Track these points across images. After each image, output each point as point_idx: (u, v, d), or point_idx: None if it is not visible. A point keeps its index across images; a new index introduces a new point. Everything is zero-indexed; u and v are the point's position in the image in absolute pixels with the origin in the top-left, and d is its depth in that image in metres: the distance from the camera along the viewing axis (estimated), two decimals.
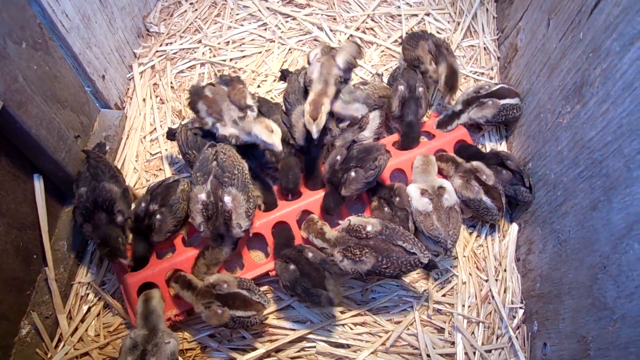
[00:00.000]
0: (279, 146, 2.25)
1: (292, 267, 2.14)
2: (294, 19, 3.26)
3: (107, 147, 2.59)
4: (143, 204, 2.25)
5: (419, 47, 2.72)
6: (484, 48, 3.23)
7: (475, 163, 2.50)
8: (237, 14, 3.26)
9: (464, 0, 3.39)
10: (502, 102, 2.67)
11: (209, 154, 2.21)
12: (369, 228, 2.17)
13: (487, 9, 3.33)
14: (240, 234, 2.16)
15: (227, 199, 2.12)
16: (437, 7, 3.36)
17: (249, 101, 2.35)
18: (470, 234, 2.60)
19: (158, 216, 2.21)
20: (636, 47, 1.74)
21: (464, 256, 2.53)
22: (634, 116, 1.72)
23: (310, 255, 2.16)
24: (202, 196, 2.12)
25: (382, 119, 2.58)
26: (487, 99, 2.69)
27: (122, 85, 2.90)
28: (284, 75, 2.83)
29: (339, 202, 2.33)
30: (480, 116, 2.71)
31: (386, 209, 2.41)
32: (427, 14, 3.32)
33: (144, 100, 2.91)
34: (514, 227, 2.59)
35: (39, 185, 2.21)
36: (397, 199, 2.40)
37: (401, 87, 2.65)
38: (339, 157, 2.33)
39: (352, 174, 2.27)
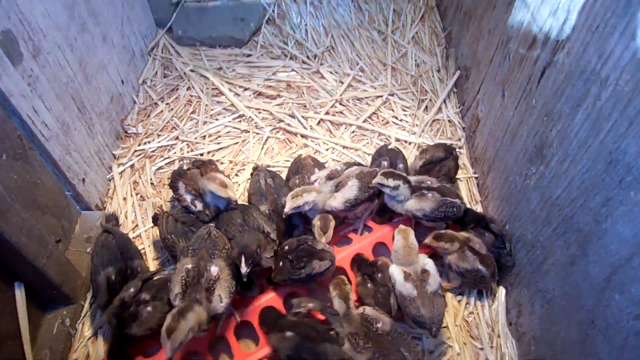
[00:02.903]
0: (234, 197, 2.41)
1: (288, 333, 2.11)
2: (266, 110, 3.42)
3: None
4: (132, 290, 2.23)
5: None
6: (449, 121, 3.40)
7: (463, 234, 2.54)
8: (212, 109, 3.42)
9: (425, 80, 3.62)
10: (443, 198, 2.51)
11: (204, 232, 2.27)
12: (379, 325, 2.20)
13: (446, 84, 3.55)
14: (218, 308, 2.09)
15: (214, 268, 2.13)
16: (400, 87, 3.57)
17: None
18: (460, 301, 2.59)
19: (148, 308, 2.18)
20: (583, 108, 1.88)
21: (456, 325, 2.51)
22: (593, 172, 1.81)
23: (310, 305, 2.18)
24: (188, 265, 2.13)
25: (360, 193, 2.51)
26: (429, 192, 2.52)
27: (103, 186, 2.96)
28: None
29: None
30: (419, 208, 2.50)
31: (369, 284, 2.41)
32: (392, 94, 3.52)
33: (124, 198, 2.95)
34: (502, 291, 2.59)
35: (19, 293, 2.17)
36: (380, 274, 2.40)
37: (384, 163, 2.79)
38: (287, 247, 2.37)
39: (280, 263, 2.33)
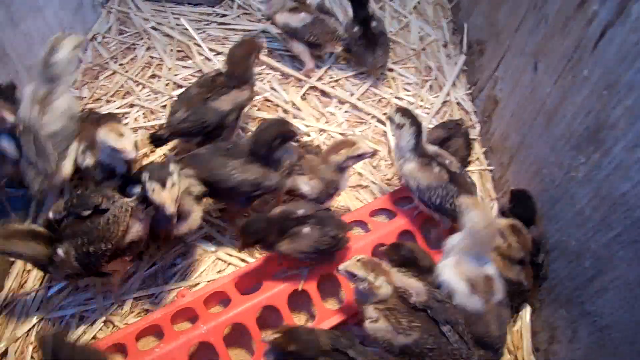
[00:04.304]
0: (131, 152, 1.85)
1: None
2: None
3: None
4: None
5: None
6: (457, 103, 2.89)
7: (507, 221, 2.01)
8: (176, 74, 2.81)
9: (429, 55, 3.11)
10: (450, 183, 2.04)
11: None
12: (413, 298, 1.68)
13: (455, 62, 3.04)
14: None
15: None
16: (400, 60, 3.04)
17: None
18: None
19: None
20: None
21: None
22: None
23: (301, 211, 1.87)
24: None
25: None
26: (439, 168, 2.05)
27: None
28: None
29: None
30: (415, 177, 2.05)
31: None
32: (390, 70, 2.98)
33: None
34: (526, 309, 2.10)
35: None
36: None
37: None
38: (302, 210, 1.90)
39: (307, 229, 1.84)
